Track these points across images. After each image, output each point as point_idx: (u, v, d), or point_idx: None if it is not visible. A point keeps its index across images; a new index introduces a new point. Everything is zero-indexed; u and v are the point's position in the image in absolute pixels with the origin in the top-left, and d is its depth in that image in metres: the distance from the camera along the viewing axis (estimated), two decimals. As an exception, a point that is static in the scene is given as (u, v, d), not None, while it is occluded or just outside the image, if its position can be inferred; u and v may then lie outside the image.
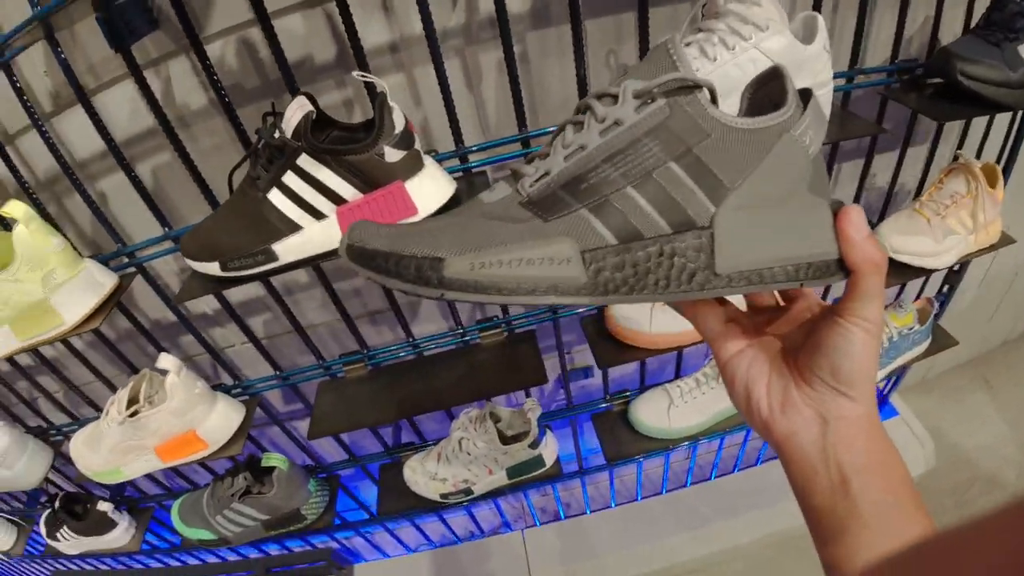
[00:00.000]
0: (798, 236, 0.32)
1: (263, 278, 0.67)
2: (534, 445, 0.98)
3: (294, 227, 0.64)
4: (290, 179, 0.62)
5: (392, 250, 0.30)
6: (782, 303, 0.38)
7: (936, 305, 1.04)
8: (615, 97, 0.31)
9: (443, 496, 1.02)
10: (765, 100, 0.33)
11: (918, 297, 1.08)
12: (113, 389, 0.95)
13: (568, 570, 1.29)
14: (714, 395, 0.99)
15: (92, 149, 0.82)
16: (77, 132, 0.81)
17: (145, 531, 1.10)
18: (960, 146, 0.96)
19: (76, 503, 1.06)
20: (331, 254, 0.66)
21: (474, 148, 0.74)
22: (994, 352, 1.72)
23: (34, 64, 0.76)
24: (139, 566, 1.35)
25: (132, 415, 0.85)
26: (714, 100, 0.30)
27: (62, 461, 1.03)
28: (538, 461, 1.00)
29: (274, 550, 1.32)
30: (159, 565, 1.32)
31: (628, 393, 1.07)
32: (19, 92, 0.68)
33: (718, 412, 1.00)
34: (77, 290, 0.74)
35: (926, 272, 0.89)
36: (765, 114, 0.31)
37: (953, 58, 0.77)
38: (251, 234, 0.64)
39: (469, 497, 1.02)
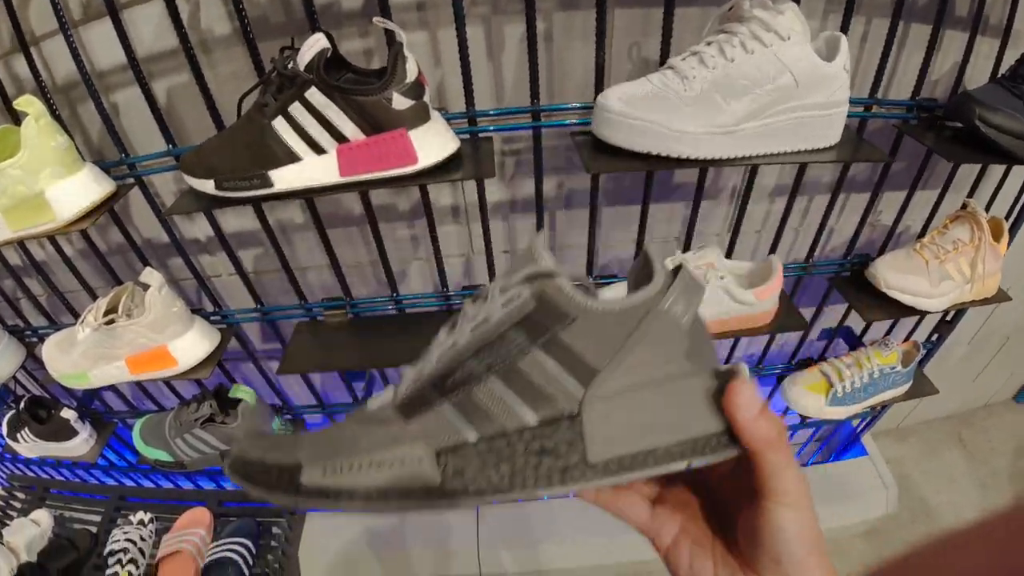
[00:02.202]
0: (679, 413, 0.30)
1: (254, 202, 0.69)
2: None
3: (293, 157, 0.66)
4: (296, 110, 0.64)
5: (259, 459, 0.31)
6: None
7: (922, 350, 1.05)
8: (486, 297, 0.32)
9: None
10: (644, 284, 0.32)
11: (907, 339, 1.09)
12: (96, 300, 0.98)
13: (515, 555, 1.31)
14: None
15: (114, 60, 0.84)
16: (101, 42, 0.82)
17: (104, 445, 1.13)
18: (971, 195, 0.98)
19: (41, 407, 1.08)
20: (324, 190, 0.68)
21: (484, 113, 0.76)
22: (975, 412, 1.74)
23: (67, -33, 0.77)
24: (93, 481, 1.37)
25: (108, 323, 0.87)
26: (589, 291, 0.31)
27: (34, 364, 1.05)
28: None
29: (230, 485, 1.35)
30: (113, 483, 1.35)
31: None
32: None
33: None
34: (73, 189, 0.76)
35: (916, 312, 0.91)
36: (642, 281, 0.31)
37: (973, 102, 0.77)
38: (250, 158, 0.66)
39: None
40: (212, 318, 0.97)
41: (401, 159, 0.67)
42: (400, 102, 0.64)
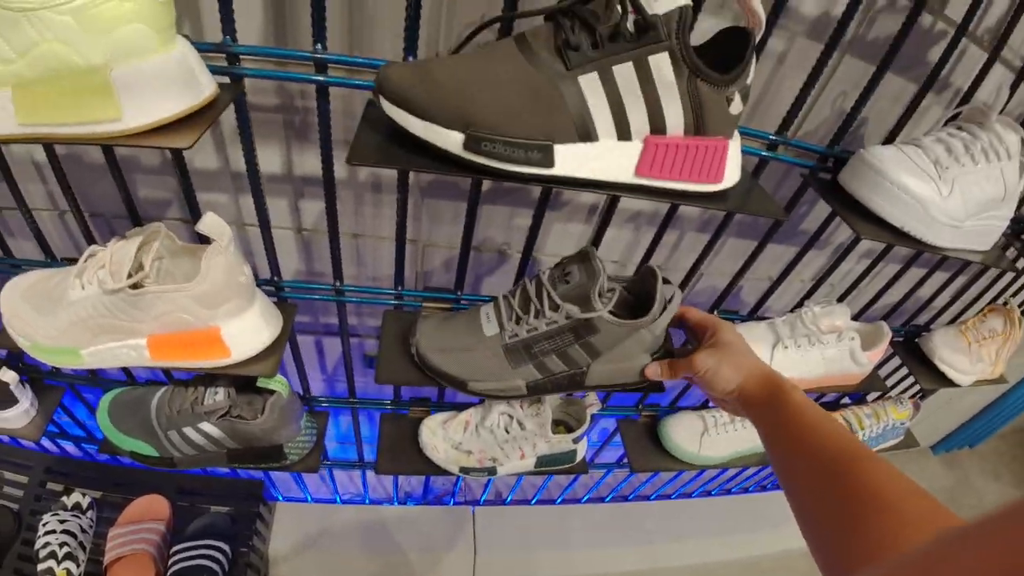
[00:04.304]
0: (630, 372, 0.58)
1: (511, 180, 0.43)
2: (577, 439, 0.84)
3: (588, 134, 0.42)
4: (624, 73, 0.41)
5: (441, 368, 0.60)
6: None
7: (920, 408, 1.08)
8: (557, 307, 0.54)
9: (463, 469, 0.83)
10: (640, 287, 0.58)
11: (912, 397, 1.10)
12: (85, 231, 0.62)
13: (511, 561, 1.15)
14: (744, 435, 0.94)
15: None
16: None
17: (50, 419, 0.73)
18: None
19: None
20: (608, 187, 0.45)
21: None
22: (896, 456, 1.74)
23: None
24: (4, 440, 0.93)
25: (134, 286, 0.53)
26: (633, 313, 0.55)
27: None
28: (572, 455, 0.86)
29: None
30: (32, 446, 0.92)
31: (658, 407, 0.97)
32: None
33: (742, 450, 0.95)
34: (162, 77, 0.42)
35: (954, 385, 0.93)
36: (642, 289, 0.57)
37: None
38: (536, 117, 0.41)
39: (491, 476, 0.84)
40: (264, 288, 0.66)
41: (708, 174, 0.47)
42: (737, 106, 0.45)
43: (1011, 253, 0.86)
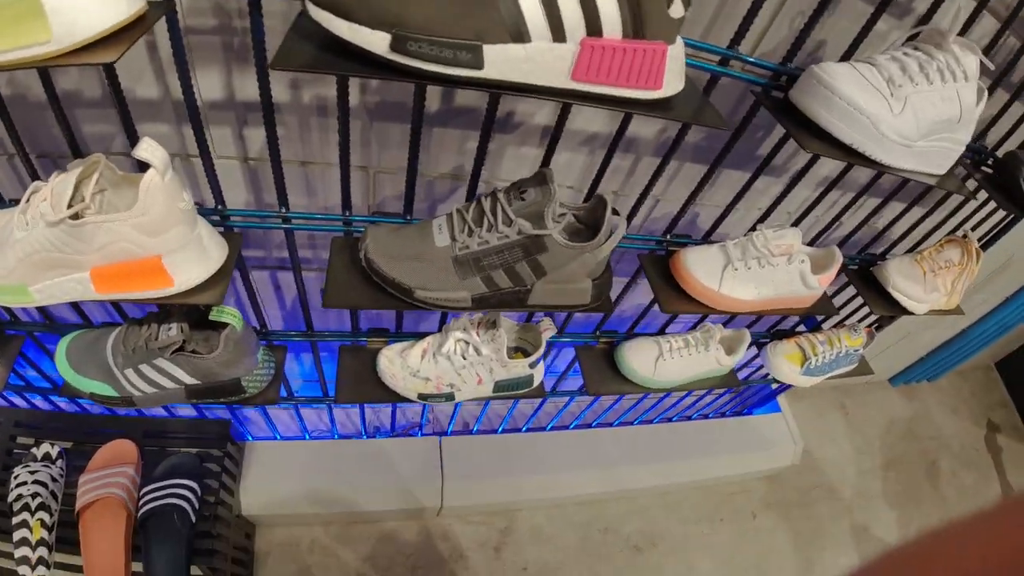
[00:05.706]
0: (571, 294, 0.61)
1: (440, 83, 0.42)
2: (533, 364, 0.86)
3: (521, 35, 0.41)
4: (555, -34, 0.39)
5: (393, 277, 0.60)
6: None
7: (875, 337, 1.13)
8: (510, 222, 0.55)
9: (422, 396, 0.84)
10: (591, 215, 0.60)
11: (868, 326, 1.14)
12: (31, 172, 0.59)
13: (478, 487, 1.20)
14: (697, 359, 0.97)
15: None
16: None
17: (10, 370, 0.72)
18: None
19: None
20: (543, 91, 0.44)
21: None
22: (856, 386, 1.88)
23: None
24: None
25: (75, 217, 0.52)
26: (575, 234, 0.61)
27: None
28: (528, 380, 0.88)
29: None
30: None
31: (616, 334, 1.00)
32: None
33: (695, 374, 0.99)
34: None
35: (907, 312, 0.96)
36: (589, 219, 0.60)
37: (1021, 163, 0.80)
38: (464, 16, 0.40)
39: (449, 402, 0.86)
40: (209, 219, 0.64)
41: (646, 79, 0.46)
42: (677, 8, 0.43)
43: (971, 184, 0.87)
